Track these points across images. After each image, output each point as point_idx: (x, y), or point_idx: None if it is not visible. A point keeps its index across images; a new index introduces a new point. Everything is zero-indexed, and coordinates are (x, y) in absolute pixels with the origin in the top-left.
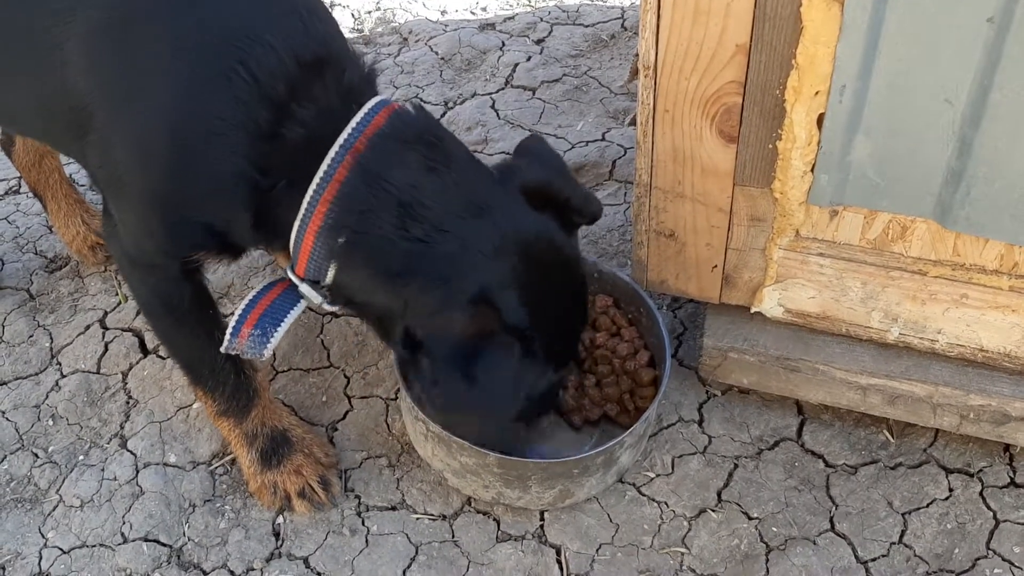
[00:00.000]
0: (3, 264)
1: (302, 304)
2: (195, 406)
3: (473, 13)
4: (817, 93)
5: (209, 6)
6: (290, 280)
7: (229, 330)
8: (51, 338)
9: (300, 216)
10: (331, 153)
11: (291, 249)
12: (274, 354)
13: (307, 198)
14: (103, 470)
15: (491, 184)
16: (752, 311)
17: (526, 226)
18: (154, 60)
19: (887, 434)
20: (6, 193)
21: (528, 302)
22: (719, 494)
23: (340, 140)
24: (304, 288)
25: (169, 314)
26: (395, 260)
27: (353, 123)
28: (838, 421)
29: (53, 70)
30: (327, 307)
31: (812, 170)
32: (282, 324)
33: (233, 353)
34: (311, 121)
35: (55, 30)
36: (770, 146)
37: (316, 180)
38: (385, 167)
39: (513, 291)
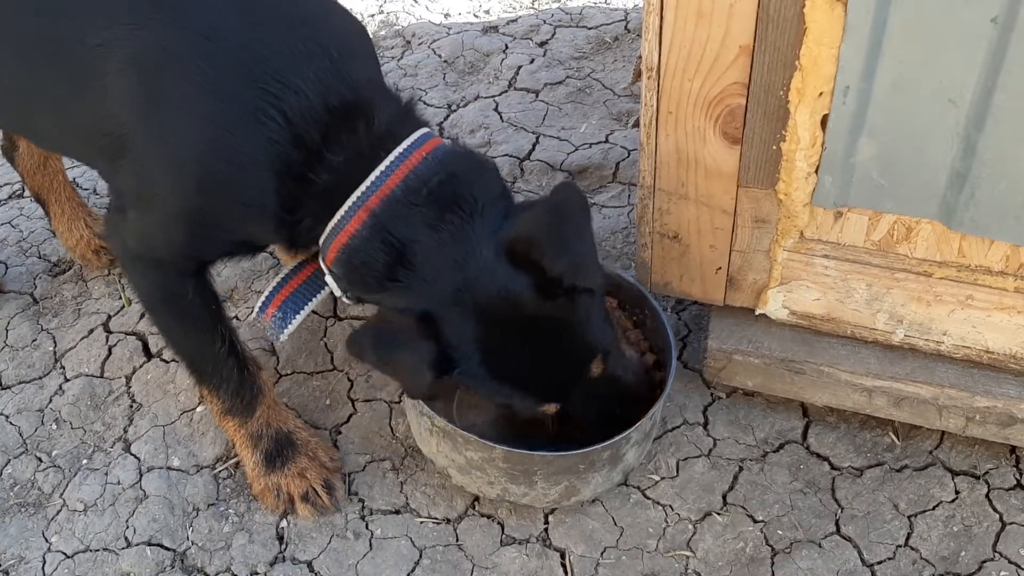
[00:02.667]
0: (7, 268)
1: (324, 292)
2: (198, 410)
3: (476, 16)
4: (821, 94)
5: (245, 46)
6: (317, 264)
7: (257, 305)
8: (55, 342)
9: (323, 238)
10: (345, 206)
11: (320, 249)
12: (277, 357)
13: (327, 232)
14: (107, 474)
15: (482, 239)
16: (757, 313)
17: (491, 284)
18: (191, 96)
19: (893, 436)
20: (9, 197)
21: (466, 337)
22: (724, 497)
23: (355, 195)
24: (330, 278)
25: (173, 309)
26: (386, 285)
27: (371, 179)
28: (843, 423)
29: (94, 98)
30: (345, 300)
31: (816, 171)
32: (301, 311)
33: (259, 327)
34: (339, 168)
35: (98, 62)
36: (774, 147)
37: (332, 224)
38: (390, 224)
39: (455, 326)
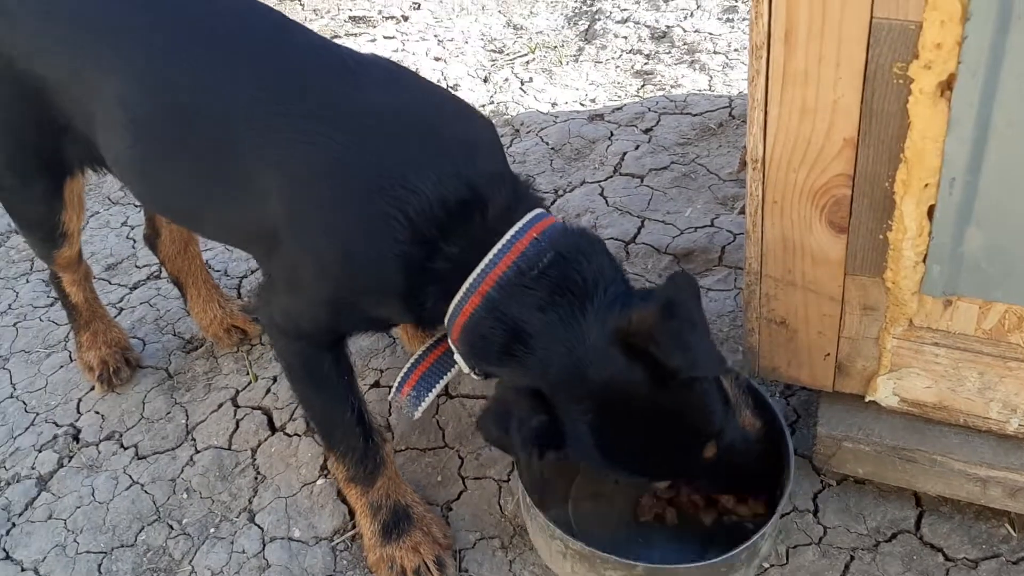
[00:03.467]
0: (144, 345)
1: (453, 370)
2: (319, 482)
3: (582, 105)
4: (927, 185)
5: (377, 156)
6: (447, 345)
7: (395, 385)
8: (187, 415)
9: (448, 317)
10: (461, 291)
11: (446, 328)
12: (392, 433)
13: (449, 313)
14: (232, 543)
15: (594, 324)
16: (867, 400)
17: (603, 371)
18: (331, 203)
19: (1009, 528)
20: (148, 278)
21: (578, 417)
22: None
23: (469, 281)
24: (458, 356)
25: (311, 379)
26: (504, 360)
27: (483, 264)
28: (957, 513)
29: (248, 208)
30: (474, 376)
31: (924, 260)
32: (433, 389)
33: (396, 404)
34: (456, 257)
35: (246, 179)
36: (880, 236)
37: (451, 307)
38: (502, 306)
39: (566, 405)
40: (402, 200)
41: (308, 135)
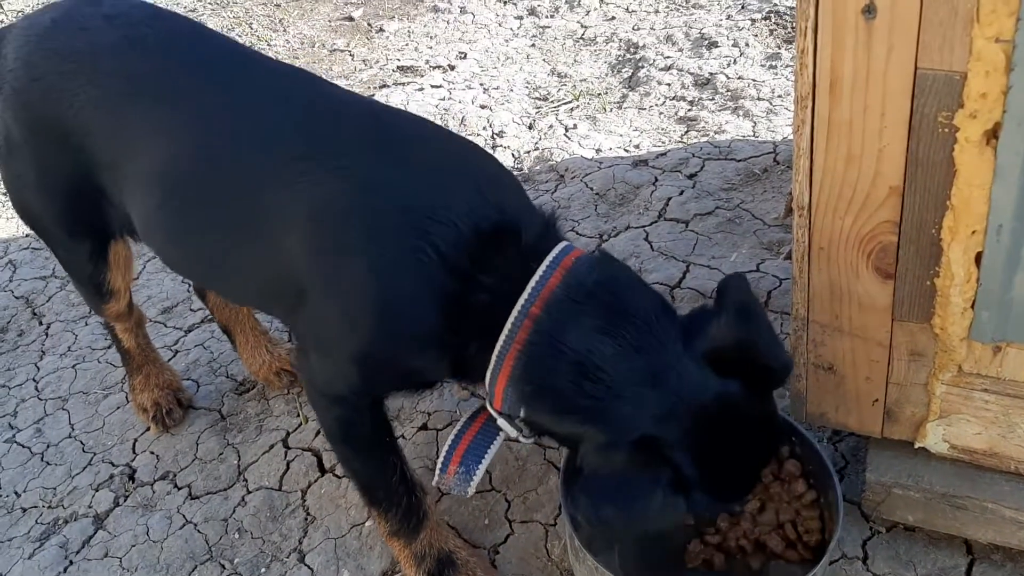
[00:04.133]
0: (198, 387)
1: (501, 437)
2: (367, 524)
3: (626, 151)
4: (974, 232)
5: (400, 191)
6: (488, 412)
7: (438, 466)
8: (239, 456)
9: (491, 368)
10: (512, 316)
11: (487, 389)
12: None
13: (495, 355)
14: None
15: (672, 346)
16: (916, 446)
17: (704, 393)
18: (353, 245)
19: None
20: (202, 322)
21: (693, 460)
22: None
23: (519, 305)
24: (502, 422)
25: (351, 440)
26: (573, 410)
27: (530, 287)
28: (1009, 562)
29: (273, 259)
30: (523, 439)
31: (972, 306)
32: (483, 461)
33: (443, 488)
34: (494, 287)
35: (273, 227)
36: (928, 283)
37: (501, 340)
38: (559, 330)
39: (681, 449)
40: (431, 233)
41: (328, 180)
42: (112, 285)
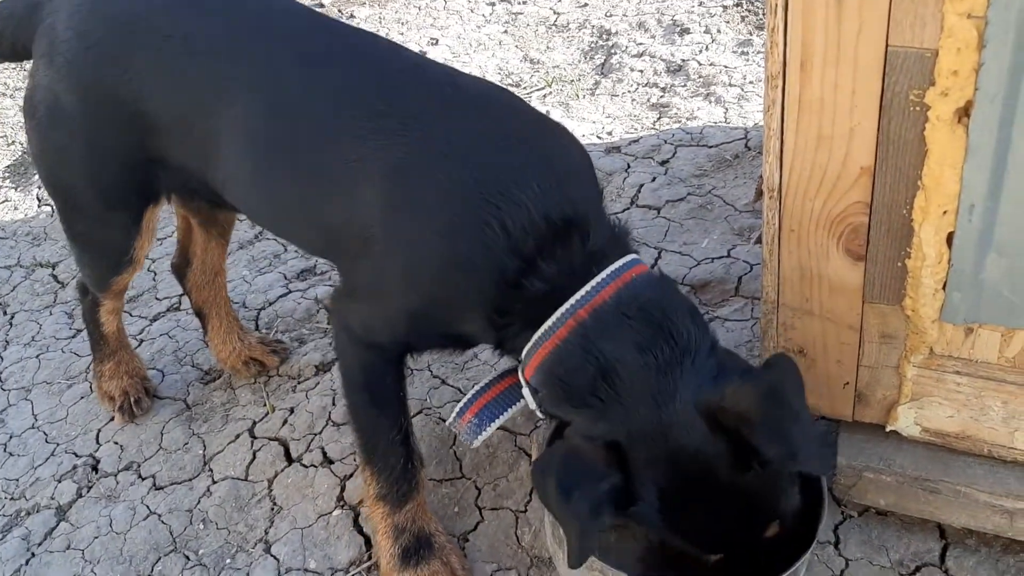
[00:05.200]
0: (163, 376)
1: (520, 404)
2: (335, 513)
3: (599, 137)
4: (945, 212)
5: (478, 163)
6: (516, 378)
7: (456, 409)
8: (204, 446)
9: (528, 348)
10: (558, 312)
11: (523, 360)
12: None
13: (533, 339)
14: (248, 574)
15: (687, 384)
16: (887, 429)
17: (686, 438)
18: (426, 204)
19: None
20: (168, 310)
21: (650, 482)
22: None
23: (568, 303)
24: (526, 391)
25: (367, 390)
26: (580, 401)
27: (585, 290)
28: (984, 546)
29: (345, 209)
30: (540, 413)
31: (944, 288)
32: (497, 420)
33: (453, 431)
34: (552, 278)
35: (347, 179)
36: (899, 264)
37: (542, 330)
38: (599, 337)
39: (641, 467)
40: (500, 208)
41: (409, 140)
42: (136, 253)
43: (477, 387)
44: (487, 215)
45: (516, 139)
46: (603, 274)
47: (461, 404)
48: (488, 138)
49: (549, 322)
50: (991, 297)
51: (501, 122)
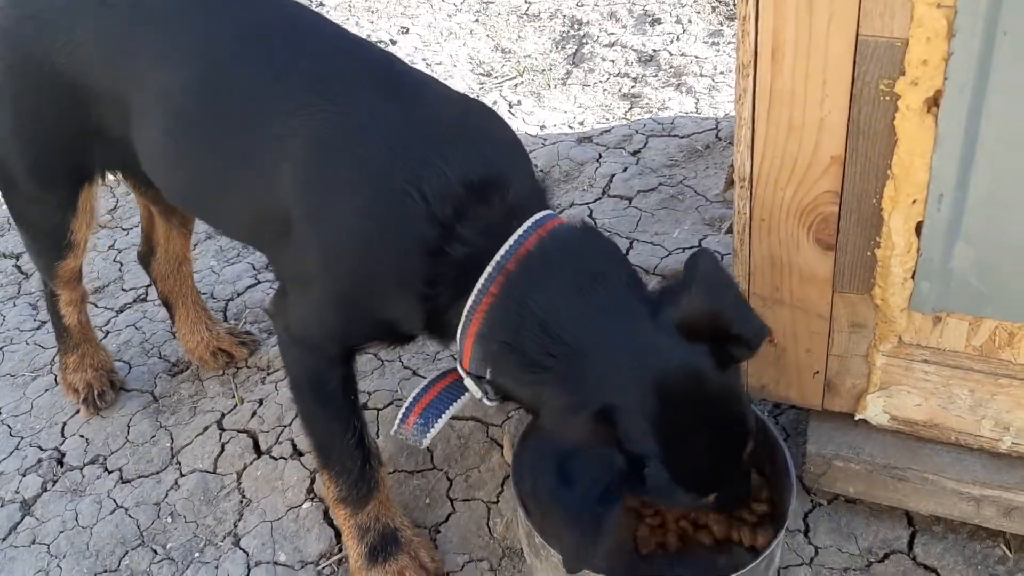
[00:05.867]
0: (130, 368)
1: (465, 397)
2: (305, 506)
3: (571, 127)
4: (915, 202)
5: (395, 138)
6: (458, 373)
7: (399, 416)
8: (172, 438)
9: (461, 324)
10: (486, 271)
11: (457, 347)
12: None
13: (465, 309)
14: (217, 567)
15: (641, 313)
16: (856, 418)
17: (670, 359)
18: (344, 180)
19: (1004, 548)
20: (134, 301)
21: (652, 431)
22: None
23: (495, 260)
24: (468, 382)
25: (317, 394)
26: (536, 369)
27: (508, 244)
28: (951, 533)
29: (267, 187)
30: (487, 401)
31: (913, 277)
32: (443, 416)
33: (400, 437)
34: (473, 240)
35: (271, 156)
36: (868, 253)
37: (473, 294)
38: (531, 288)
39: (638, 418)
40: (421, 178)
41: (329, 113)
42: (75, 236)
43: (417, 389)
44: (405, 184)
45: (439, 116)
46: (524, 226)
47: (403, 409)
48: (411, 114)
49: (480, 283)
50: (959, 286)
51: (427, 102)
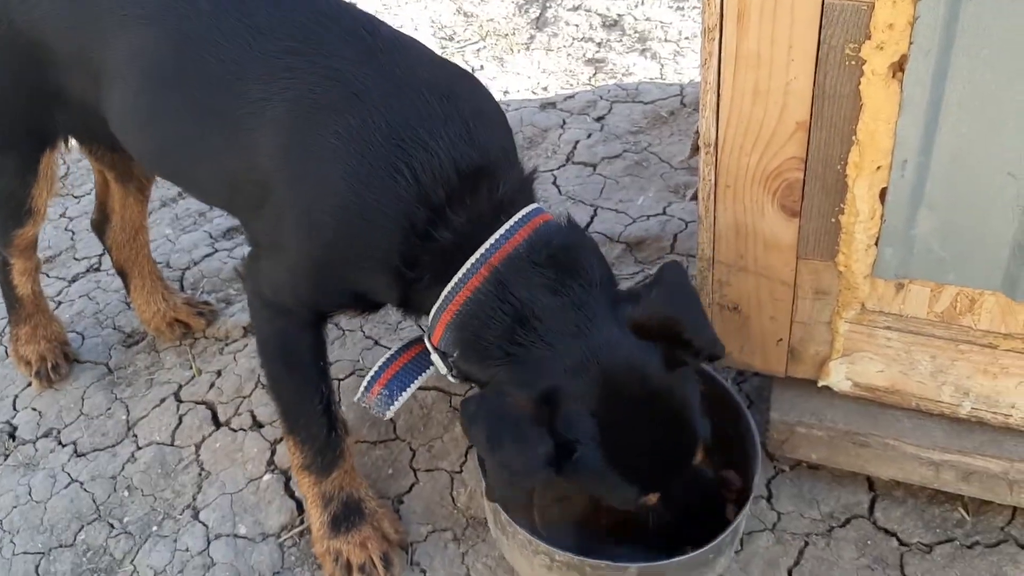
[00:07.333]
0: (83, 339)
1: (430, 371)
2: (265, 478)
3: (534, 93)
4: (879, 168)
5: (384, 107)
6: (424, 345)
7: (362, 386)
8: (128, 411)
9: (437, 304)
10: (469, 261)
11: (429, 323)
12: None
13: (443, 293)
14: (176, 541)
15: (603, 310)
16: (819, 385)
17: (616, 351)
18: (329, 148)
19: (963, 512)
20: (87, 271)
21: (590, 415)
22: (789, 572)
23: (479, 252)
24: (435, 357)
25: (285, 357)
26: (500, 354)
27: (494, 237)
28: (911, 498)
29: (245, 151)
30: (451, 378)
31: (876, 243)
32: (407, 389)
33: (363, 406)
34: (461, 228)
35: (251, 118)
36: (833, 220)
37: (453, 281)
38: (513, 283)
39: (578, 402)
40: (410, 153)
41: (316, 79)
42: (35, 202)
43: (383, 359)
44: (397, 161)
45: (429, 86)
46: (511, 221)
47: (368, 377)
48: (401, 83)
49: (461, 272)
50: (922, 252)
51: (415, 69)
